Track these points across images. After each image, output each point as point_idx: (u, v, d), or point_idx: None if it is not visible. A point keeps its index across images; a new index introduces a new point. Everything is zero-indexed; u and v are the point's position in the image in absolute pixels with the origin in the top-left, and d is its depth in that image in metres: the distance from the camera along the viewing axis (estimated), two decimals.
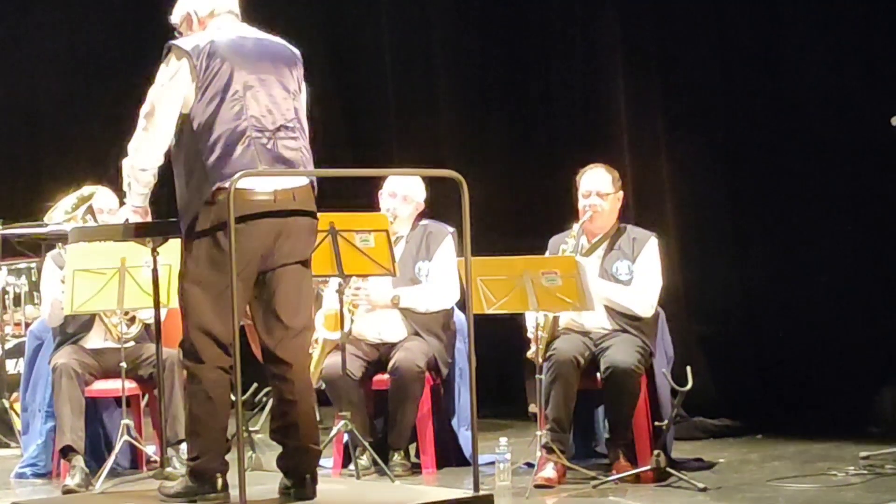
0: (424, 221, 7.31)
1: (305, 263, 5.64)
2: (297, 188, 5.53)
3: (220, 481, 5.52)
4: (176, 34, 5.69)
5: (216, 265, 5.40)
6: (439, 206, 7.55)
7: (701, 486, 6.38)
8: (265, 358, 5.65)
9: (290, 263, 5.55)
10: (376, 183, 7.33)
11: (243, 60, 5.50)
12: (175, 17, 5.73)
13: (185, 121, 5.47)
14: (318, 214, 5.71)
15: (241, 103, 5.45)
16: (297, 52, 5.71)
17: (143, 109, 5.52)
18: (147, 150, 5.52)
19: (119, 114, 7.07)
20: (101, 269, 6.68)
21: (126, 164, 5.60)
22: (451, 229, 7.20)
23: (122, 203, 7.17)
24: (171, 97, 5.46)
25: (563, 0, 8.93)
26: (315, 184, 5.65)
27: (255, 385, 7.50)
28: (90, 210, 7.15)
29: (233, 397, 5.51)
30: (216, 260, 5.40)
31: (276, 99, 5.53)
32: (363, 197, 7.45)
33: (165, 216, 5.92)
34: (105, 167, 5.84)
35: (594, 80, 8.82)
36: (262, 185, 5.45)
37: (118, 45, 10.02)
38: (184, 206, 5.52)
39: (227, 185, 5.29)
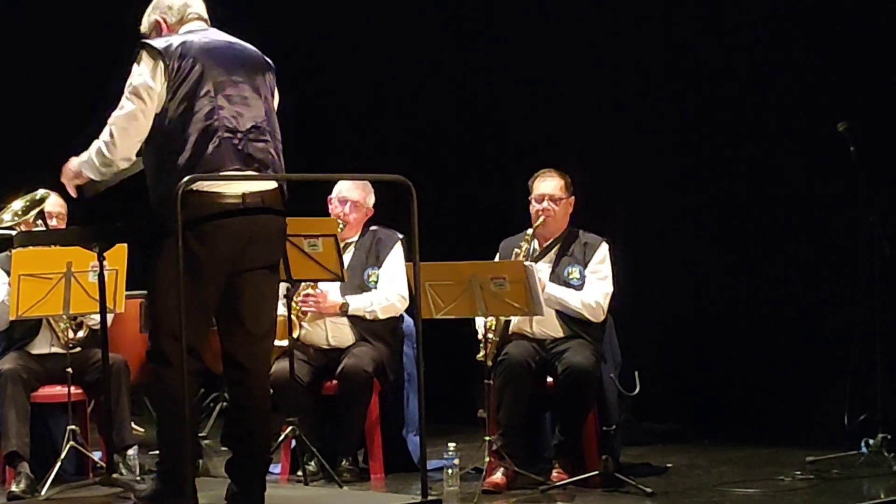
0: (374, 227, 7.31)
1: (273, 269, 5.64)
2: (266, 191, 5.53)
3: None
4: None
5: (187, 267, 5.33)
6: (388, 211, 7.54)
7: (649, 490, 6.40)
8: (224, 362, 5.63)
9: (257, 268, 5.54)
10: (328, 189, 7.31)
11: (216, 62, 5.49)
12: (144, 26, 5.73)
13: (156, 120, 5.45)
14: None
15: (212, 104, 5.44)
16: (269, 60, 5.72)
17: (118, 111, 5.49)
18: (119, 148, 5.49)
19: (75, 116, 7.05)
20: (47, 274, 6.63)
21: (93, 152, 5.55)
22: (400, 235, 7.19)
23: (69, 209, 7.18)
24: (143, 99, 5.43)
25: (514, 5, 8.94)
26: (285, 188, 5.63)
27: (202, 390, 7.47)
28: (41, 214, 7.10)
29: None
30: (187, 261, 5.33)
31: (248, 101, 5.53)
32: (314, 203, 7.43)
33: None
34: (57, 171, 5.80)
35: (545, 84, 8.84)
36: (231, 188, 5.44)
37: (71, 47, 9.95)
38: (156, 205, 5.47)
39: (196, 187, 5.31)
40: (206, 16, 5.72)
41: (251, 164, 5.48)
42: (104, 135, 5.53)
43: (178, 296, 5.27)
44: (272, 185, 5.57)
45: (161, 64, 5.42)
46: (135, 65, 5.48)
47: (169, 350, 5.44)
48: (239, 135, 5.47)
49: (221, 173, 5.42)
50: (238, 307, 5.55)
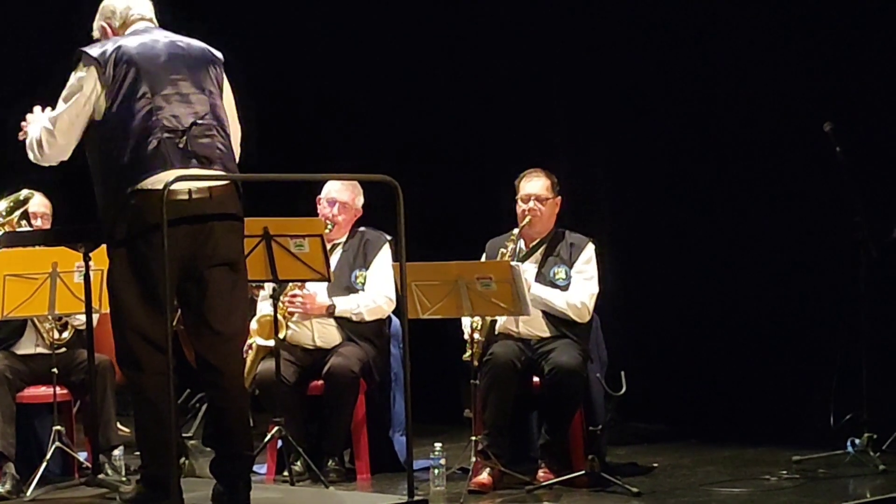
0: (362, 228, 7.30)
1: (235, 267, 5.60)
2: (214, 186, 5.51)
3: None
4: None
5: (138, 268, 5.38)
6: (375, 211, 7.53)
7: (635, 490, 6.40)
8: (197, 364, 5.63)
9: (215, 265, 5.52)
10: (316, 190, 7.30)
11: (152, 63, 5.50)
12: (95, 31, 5.78)
13: (97, 126, 5.50)
14: (253, 219, 5.69)
15: (150, 104, 5.45)
16: (217, 53, 5.72)
17: (51, 113, 5.56)
18: (47, 152, 5.58)
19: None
20: (33, 274, 6.61)
21: (27, 145, 5.63)
22: (388, 237, 7.19)
23: (54, 209, 7.17)
24: (76, 105, 5.49)
25: (502, 4, 8.95)
26: (238, 183, 5.62)
27: (187, 391, 7.46)
28: (25, 215, 7.08)
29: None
30: (137, 263, 5.39)
31: (189, 98, 5.53)
32: (302, 203, 7.42)
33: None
34: (40, 171, 5.81)
35: (531, 84, 8.84)
36: (176, 185, 5.39)
37: (49, 48, 9.92)
38: (102, 211, 5.53)
39: (139, 186, 5.34)
40: (151, 16, 5.75)
41: (195, 160, 5.47)
42: (34, 134, 5.59)
43: (134, 296, 5.39)
44: (223, 181, 5.55)
45: (95, 71, 5.47)
46: (72, 72, 5.55)
47: (137, 353, 5.46)
48: (180, 132, 5.46)
49: (208, 172, 5.42)
50: (201, 307, 5.56)
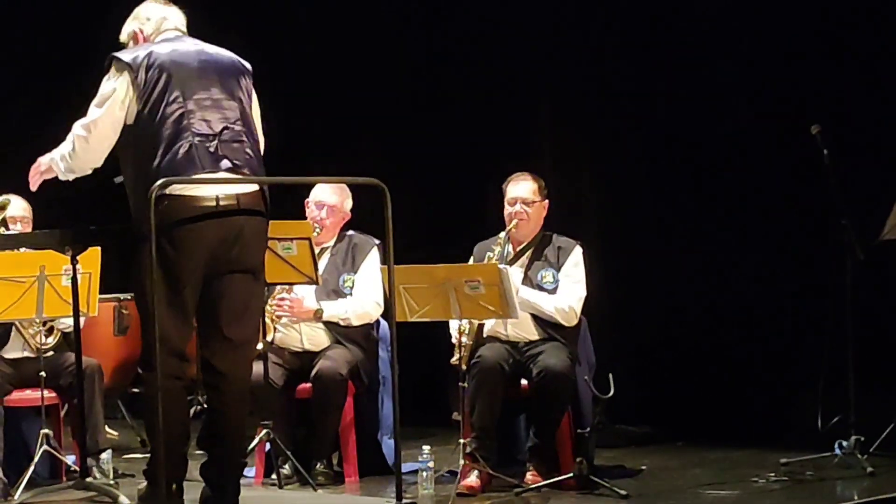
0: (350, 232, 7.30)
1: (255, 274, 5.63)
2: (243, 194, 5.55)
3: (174, 487, 5.53)
4: None
5: (164, 271, 5.38)
6: (363, 214, 7.53)
7: (623, 493, 6.41)
8: (201, 366, 5.65)
9: (237, 271, 5.54)
10: (303, 192, 7.30)
11: (184, 69, 5.54)
12: (123, 35, 5.81)
13: (129, 131, 5.52)
14: None
15: (182, 108, 5.48)
16: (246, 63, 5.76)
17: (84, 120, 5.57)
18: (82, 159, 5.60)
19: (36, 122, 7.03)
20: (20, 278, 6.60)
21: (58, 157, 5.64)
22: (376, 241, 7.18)
23: (34, 213, 7.16)
24: (110, 110, 5.52)
25: (489, 7, 8.95)
26: (266, 191, 5.65)
27: (189, 396, 7.44)
28: (3, 220, 7.07)
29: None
30: (163, 266, 5.37)
31: (220, 104, 5.57)
32: (290, 206, 7.42)
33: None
34: (17, 176, 5.81)
35: (519, 87, 8.85)
36: (204, 191, 5.45)
37: (36, 54, 9.91)
38: (135, 211, 5.54)
39: (169, 191, 5.35)
40: (184, 28, 5.79)
41: (226, 165, 5.50)
42: (67, 143, 5.62)
43: (158, 298, 5.32)
44: (251, 187, 5.58)
45: (128, 76, 5.50)
46: (105, 78, 5.57)
47: (153, 351, 5.43)
48: (211, 137, 5.49)
49: (197, 176, 5.44)
50: (215, 312, 5.57)
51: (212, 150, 5.48)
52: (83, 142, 5.55)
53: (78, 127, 5.58)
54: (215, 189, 5.46)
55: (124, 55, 5.56)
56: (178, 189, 5.41)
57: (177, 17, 5.79)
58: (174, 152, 5.43)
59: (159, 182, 5.28)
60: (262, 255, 5.70)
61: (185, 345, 5.49)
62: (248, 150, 5.59)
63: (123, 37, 5.80)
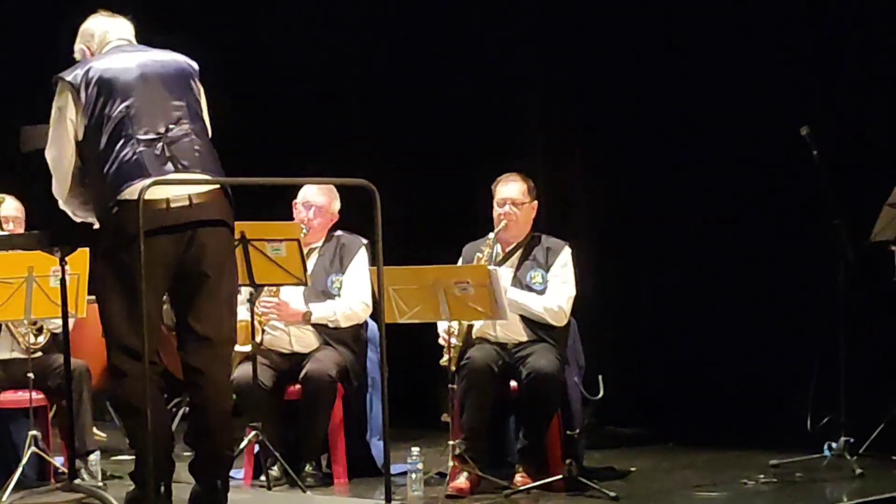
0: (338, 233, 7.29)
1: (221, 272, 5.60)
2: (195, 194, 5.51)
3: (161, 488, 5.54)
4: None
5: (120, 278, 5.42)
6: (352, 216, 7.52)
7: (612, 494, 6.41)
8: (182, 367, 5.66)
9: (199, 271, 5.52)
10: (292, 193, 7.29)
11: (124, 76, 5.56)
12: (76, 54, 5.85)
13: (82, 146, 5.56)
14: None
15: (125, 115, 5.49)
16: (192, 63, 5.75)
17: (46, 150, 5.64)
18: (57, 185, 5.65)
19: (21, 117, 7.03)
20: (8, 279, 6.59)
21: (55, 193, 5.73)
22: (364, 241, 7.18)
23: (28, 212, 7.14)
24: (60, 131, 5.58)
25: (479, 6, 8.95)
26: (228, 189, 5.62)
27: (164, 395, 7.41)
28: None
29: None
30: (119, 273, 5.43)
31: (164, 106, 5.57)
32: (279, 207, 7.41)
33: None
34: (11, 175, 5.81)
35: (508, 88, 8.84)
36: (155, 194, 5.40)
37: (29, 60, 9.90)
38: (99, 222, 5.58)
39: (119, 198, 5.38)
40: (130, 37, 5.81)
41: (172, 165, 5.49)
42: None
43: (118, 307, 5.43)
44: (206, 187, 5.55)
45: (70, 94, 5.54)
46: (54, 100, 5.63)
47: (120, 362, 5.51)
48: (156, 140, 5.50)
49: (173, 177, 5.43)
50: (185, 313, 5.58)
51: (157, 153, 5.48)
52: (54, 170, 5.62)
53: (46, 153, 5.65)
54: (164, 192, 5.45)
55: (66, 74, 5.61)
56: (126, 195, 5.39)
57: (121, 28, 5.80)
58: (120, 160, 5.44)
59: (148, 182, 5.27)
60: (225, 253, 5.65)
61: (152, 347, 5.43)
62: (197, 148, 5.57)
63: (76, 55, 5.84)
